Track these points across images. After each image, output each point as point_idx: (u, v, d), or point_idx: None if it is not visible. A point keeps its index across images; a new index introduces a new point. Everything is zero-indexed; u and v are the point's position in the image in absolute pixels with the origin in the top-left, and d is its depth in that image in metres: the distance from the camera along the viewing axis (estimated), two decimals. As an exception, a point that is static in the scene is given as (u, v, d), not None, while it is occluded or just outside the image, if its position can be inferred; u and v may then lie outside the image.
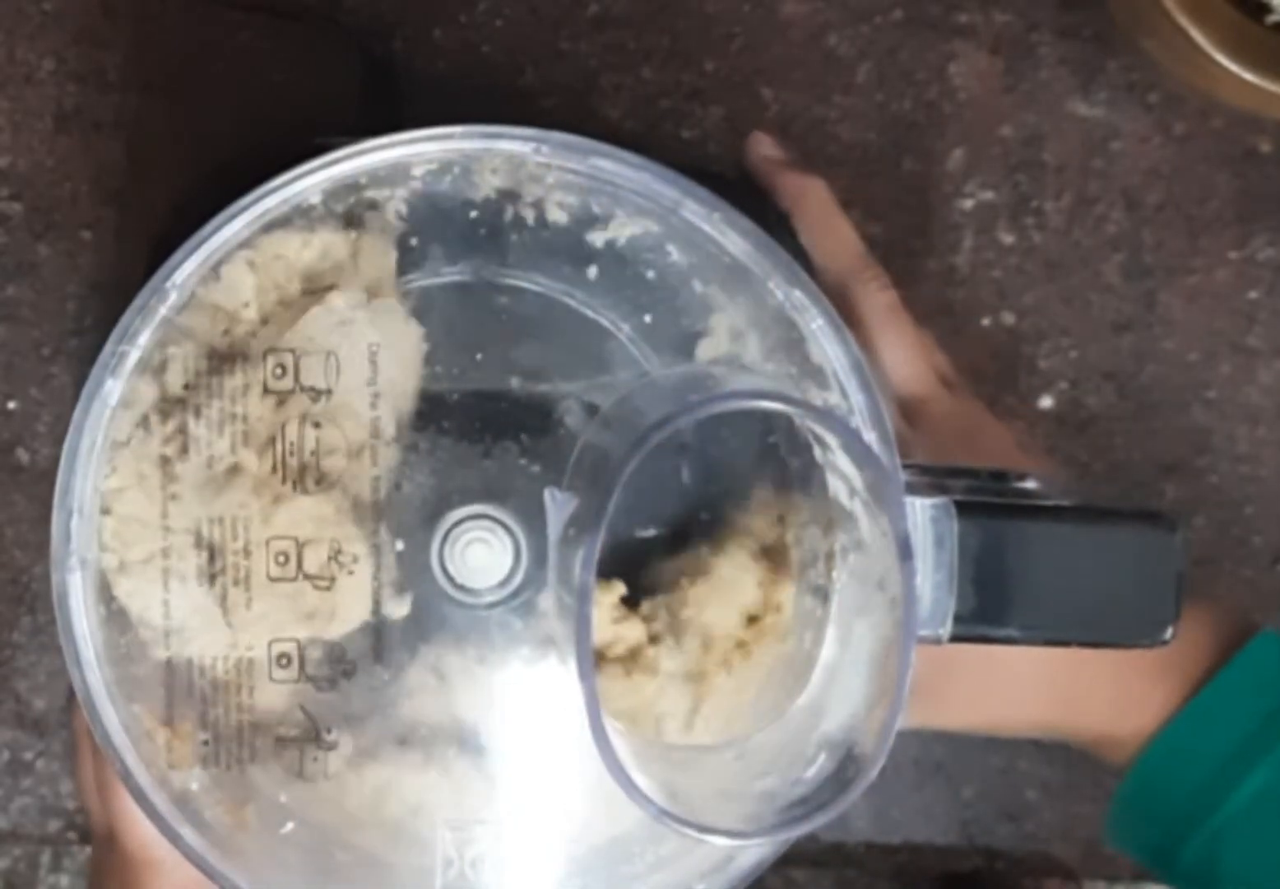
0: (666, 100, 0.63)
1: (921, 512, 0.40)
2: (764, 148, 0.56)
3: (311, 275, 0.41)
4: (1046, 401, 0.64)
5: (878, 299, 0.53)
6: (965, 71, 0.64)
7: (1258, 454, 0.65)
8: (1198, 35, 0.55)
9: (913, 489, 0.40)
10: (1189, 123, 0.64)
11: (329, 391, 0.41)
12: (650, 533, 0.43)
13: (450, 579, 0.42)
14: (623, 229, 0.42)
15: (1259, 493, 0.65)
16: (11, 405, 0.62)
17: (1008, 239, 0.64)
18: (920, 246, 0.64)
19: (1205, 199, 0.64)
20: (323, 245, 0.41)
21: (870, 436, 0.40)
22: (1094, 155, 0.64)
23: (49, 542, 0.40)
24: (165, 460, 0.41)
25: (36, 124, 0.62)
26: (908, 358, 0.53)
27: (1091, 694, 0.53)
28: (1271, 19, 0.57)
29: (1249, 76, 0.55)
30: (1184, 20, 0.55)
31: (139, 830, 0.49)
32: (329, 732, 0.42)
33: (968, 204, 0.64)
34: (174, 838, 0.41)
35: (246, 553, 0.41)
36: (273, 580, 0.41)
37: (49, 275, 0.62)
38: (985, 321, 0.64)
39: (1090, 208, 0.64)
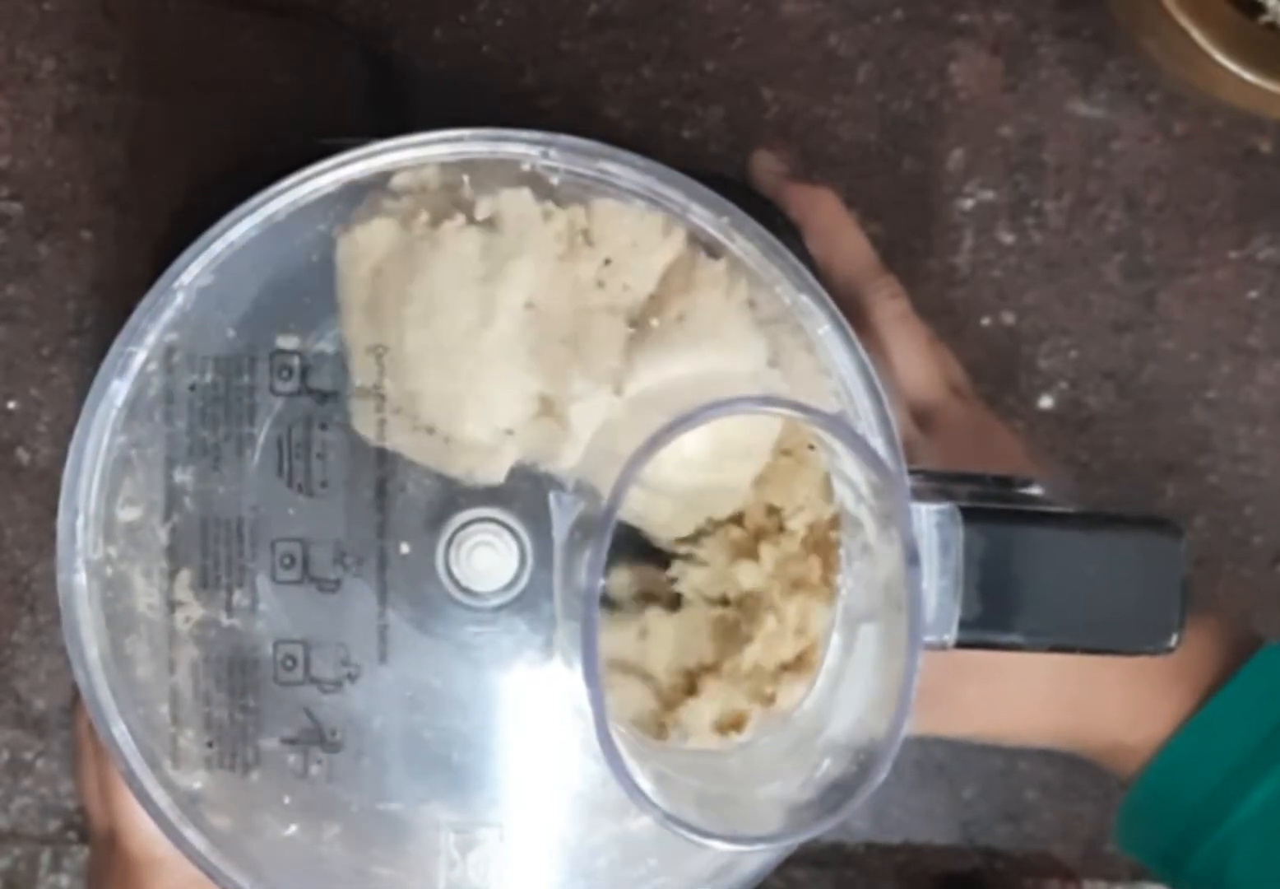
0: (666, 100, 0.63)
1: (927, 517, 0.40)
2: (768, 163, 0.56)
3: None
4: (1046, 402, 0.64)
5: (889, 307, 0.54)
6: (965, 71, 0.64)
7: (1258, 454, 0.65)
8: (1198, 35, 0.55)
9: (918, 495, 0.40)
10: (1189, 123, 0.64)
11: (335, 394, 0.41)
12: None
13: (455, 582, 0.41)
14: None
15: (1259, 493, 0.65)
16: (11, 405, 0.62)
17: (1008, 239, 0.64)
18: (920, 246, 0.64)
19: (1205, 199, 0.64)
20: None
21: (876, 442, 0.40)
22: (1094, 155, 0.64)
23: (49, 542, 0.40)
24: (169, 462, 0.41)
25: (36, 124, 0.62)
26: (920, 365, 0.53)
27: (1102, 703, 0.53)
28: (1264, 19, 0.57)
29: (1249, 76, 0.55)
30: (1184, 20, 0.55)
31: (141, 830, 0.49)
32: (333, 734, 0.42)
33: (968, 204, 0.64)
34: (177, 839, 0.41)
35: (252, 554, 0.41)
36: (278, 583, 0.41)
37: (49, 275, 0.62)
38: (985, 321, 0.64)
39: (1090, 208, 0.64)
